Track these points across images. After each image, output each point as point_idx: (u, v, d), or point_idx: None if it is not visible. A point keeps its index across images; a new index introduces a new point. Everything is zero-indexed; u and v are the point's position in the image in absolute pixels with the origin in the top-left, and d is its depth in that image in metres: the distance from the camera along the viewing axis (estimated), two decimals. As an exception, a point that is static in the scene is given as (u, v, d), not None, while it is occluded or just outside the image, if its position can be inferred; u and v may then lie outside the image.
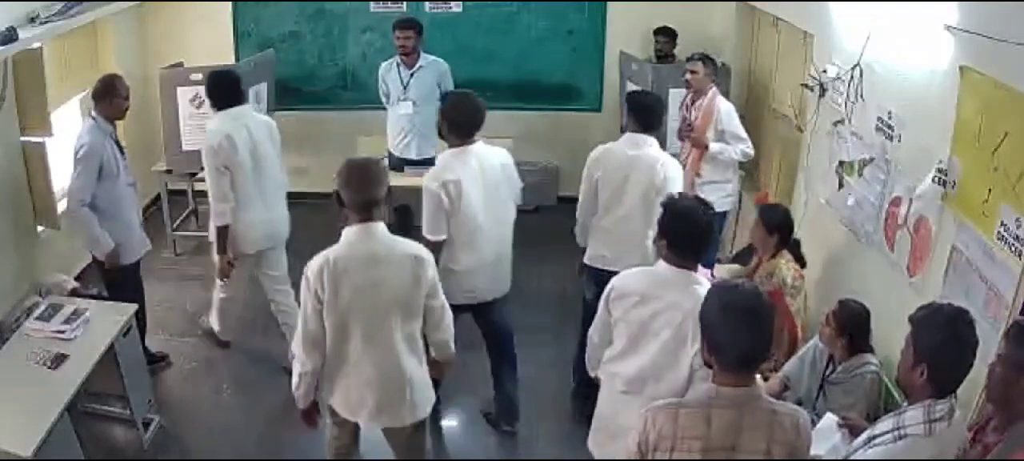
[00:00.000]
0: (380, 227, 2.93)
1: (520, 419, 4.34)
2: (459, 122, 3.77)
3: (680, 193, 3.02)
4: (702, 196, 3.55)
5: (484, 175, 3.79)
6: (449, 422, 4.53)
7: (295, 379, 3.07)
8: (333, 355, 3.01)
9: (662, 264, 2.82)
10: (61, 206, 5.10)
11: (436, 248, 3.59)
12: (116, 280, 4.35)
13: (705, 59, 5.02)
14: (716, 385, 2.18)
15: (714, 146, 4.84)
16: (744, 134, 4.89)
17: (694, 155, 4.94)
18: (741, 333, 2.11)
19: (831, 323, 3.44)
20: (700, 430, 2.14)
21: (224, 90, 4.31)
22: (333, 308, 2.90)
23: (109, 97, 4.18)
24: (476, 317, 4.09)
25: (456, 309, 3.38)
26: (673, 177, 3.88)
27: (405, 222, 6.18)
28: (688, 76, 4.99)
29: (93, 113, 4.20)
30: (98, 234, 4.16)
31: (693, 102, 5.03)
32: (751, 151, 4.90)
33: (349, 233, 2.92)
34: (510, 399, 4.29)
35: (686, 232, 2.78)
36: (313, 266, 2.90)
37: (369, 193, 2.88)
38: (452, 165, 3.75)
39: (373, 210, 2.90)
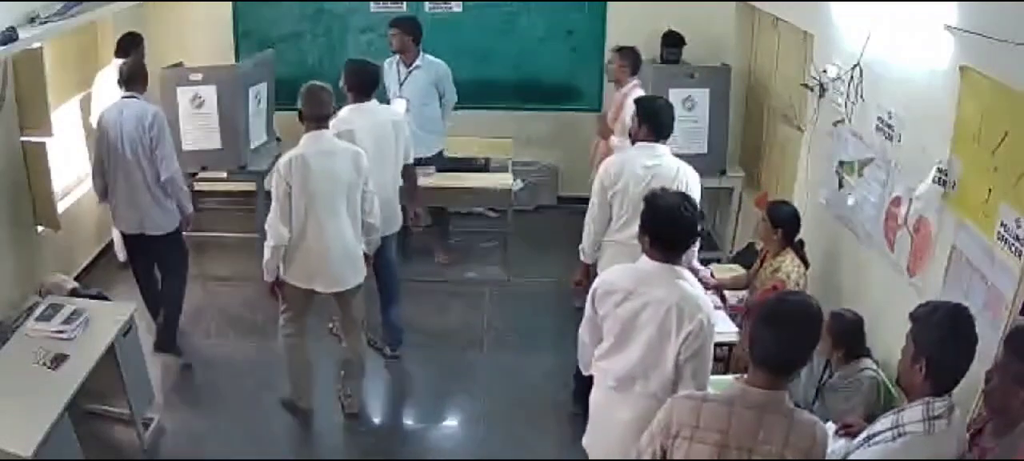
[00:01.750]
0: (328, 132, 3.96)
1: (402, 343, 4.90)
2: (357, 83, 4.47)
3: (662, 189, 3.02)
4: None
5: (375, 127, 4.45)
6: (449, 422, 4.54)
7: (268, 254, 3.92)
8: (294, 235, 3.89)
9: (645, 259, 2.83)
10: (61, 206, 5.12)
11: None
12: (178, 244, 4.72)
13: (623, 50, 5.10)
14: (745, 383, 2.23)
15: (614, 140, 4.98)
16: None
17: (602, 146, 5.05)
18: (772, 336, 2.18)
19: (825, 338, 3.42)
20: (720, 425, 2.19)
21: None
22: (301, 192, 3.83)
23: (143, 76, 4.57)
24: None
25: None
26: (692, 185, 3.79)
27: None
28: (608, 66, 5.10)
29: (130, 93, 4.45)
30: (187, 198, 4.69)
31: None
32: None
33: (307, 137, 3.91)
34: (394, 326, 4.88)
35: (668, 228, 2.80)
36: (283, 162, 3.87)
37: (322, 109, 3.93)
38: (349, 118, 4.41)
39: (323, 121, 3.93)
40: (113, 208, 4.61)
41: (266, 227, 3.93)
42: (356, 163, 3.95)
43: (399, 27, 5.53)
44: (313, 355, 4.40)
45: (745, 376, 2.27)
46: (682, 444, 2.24)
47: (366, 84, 4.51)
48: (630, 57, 5.06)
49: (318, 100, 3.92)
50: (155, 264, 4.77)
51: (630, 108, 4.83)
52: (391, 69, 5.67)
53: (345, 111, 4.45)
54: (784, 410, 2.19)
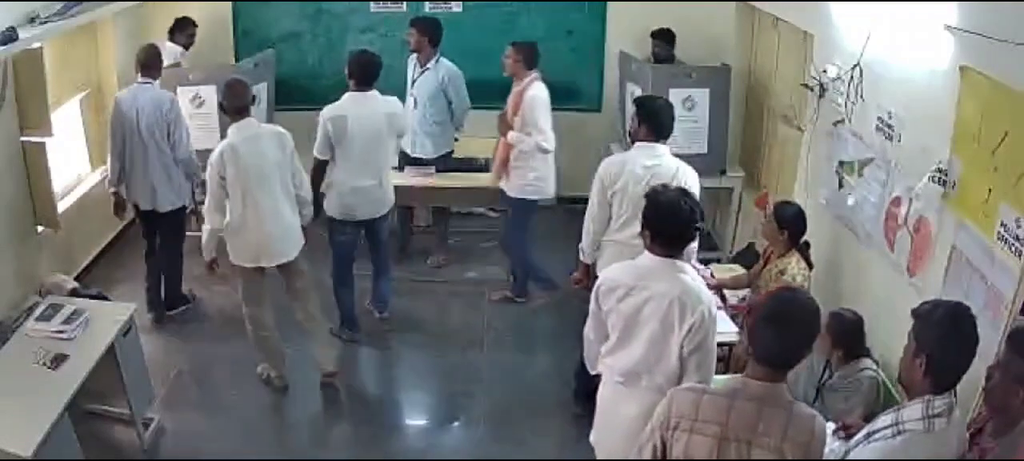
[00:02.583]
0: (252, 120, 4.17)
1: (389, 306, 5.27)
2: (359, 72, 4.63)
3: (663, 185, 3.05)
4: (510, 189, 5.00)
5: (370, 116, 4.63)
6: (449, 422, 4.54)
7: (205, 237, 4.24)
8: (235, 219, 4.13)
9: (647, 255, 2.86)
10: (61, 206, 5.12)
11: (321, 166, 4.67)
12: (180, 221, 5.12)
13: (517, 45, 5.11)
14: (745, 377, 2.25)
15: (512, 135, 5.04)
16: (543, 126, 5.01)
17: (502, 144, 5.11)
18: (774, 334, 2.20)
19: (825, 336, 3.42)
20: (720, 417, 2.21)
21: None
22: (235, 180, 4.07)
23: (158, 64, 4.88)
24: (365, 232, 4.92)
25: (343, 224, 4.72)
26: (692, 184, 3.75)
27: (404, 220, 6.18)
28: (504, 61, 5.12)
29: (145, 79, 4.77)
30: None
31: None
32: (546, 145, 5.03)
33: (232, 128, 4.12)
34: (382, 292, 5.24)
35: (669, 224, 2.82)
36: (214, 154, 4.09)
37: (240, 100, 4.12)
38: (345, 104, 4.61)
39: (243, 111, 4.13)
40: (130, 186, 4.87)
41: (203, 213, 4.27)
42: (281, 142, 4.20)
43: (415, 26, 5.56)
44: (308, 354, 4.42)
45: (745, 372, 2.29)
46: (681, 437, 2.26)
47: (367, 74, 4.63)
48: (525, 51, 5.05)
49: (235, 93, 4.14)
50: (157, 238, 5.10)
51: (528, 103, 4.99)
52: (409, 67, 5.69)
53: (345, 97, 4.63)
54: (783, 403, 2.21)
